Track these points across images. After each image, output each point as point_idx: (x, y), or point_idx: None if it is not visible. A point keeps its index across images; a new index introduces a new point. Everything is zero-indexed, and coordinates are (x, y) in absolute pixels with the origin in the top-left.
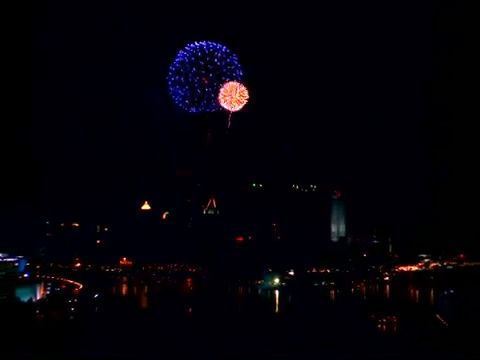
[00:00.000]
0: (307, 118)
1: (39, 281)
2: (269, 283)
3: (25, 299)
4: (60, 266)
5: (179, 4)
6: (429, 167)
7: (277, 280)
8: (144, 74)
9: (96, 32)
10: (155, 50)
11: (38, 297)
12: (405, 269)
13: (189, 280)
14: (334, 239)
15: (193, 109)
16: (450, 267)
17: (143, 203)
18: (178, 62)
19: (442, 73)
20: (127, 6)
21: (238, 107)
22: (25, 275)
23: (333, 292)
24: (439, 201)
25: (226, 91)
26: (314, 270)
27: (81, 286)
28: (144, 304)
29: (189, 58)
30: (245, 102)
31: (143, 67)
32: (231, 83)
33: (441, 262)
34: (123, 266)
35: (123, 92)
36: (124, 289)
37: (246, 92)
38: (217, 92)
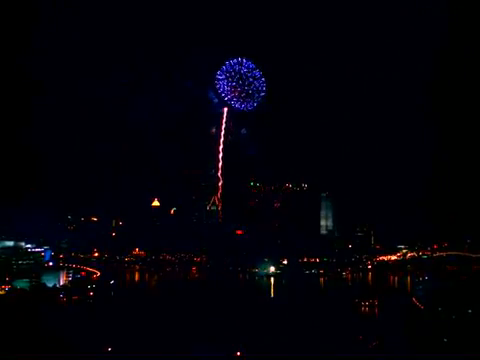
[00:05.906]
0: (300, 126)
1: (62, 269)
2: (265, 271)
3: (50, 284)
4: (80, 256)
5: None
6: (406, 171)
7: (272, 268)
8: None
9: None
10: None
11: (61, 283)
12: (385, 258)
13: (194, 268)
14: (323, 232)
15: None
16: (425, 257)
17: (153, 200)
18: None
19: (419, 77)
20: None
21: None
22: (50, 263)
23: (322, 279)
24: (415, 200)
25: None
26: (305, 259)
27: (99, 273)
28: (153, 288)
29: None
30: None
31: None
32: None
33: (417, 252)
34: (136, 256)
35: (141, 99)
36: (137, 276)
37: None
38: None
